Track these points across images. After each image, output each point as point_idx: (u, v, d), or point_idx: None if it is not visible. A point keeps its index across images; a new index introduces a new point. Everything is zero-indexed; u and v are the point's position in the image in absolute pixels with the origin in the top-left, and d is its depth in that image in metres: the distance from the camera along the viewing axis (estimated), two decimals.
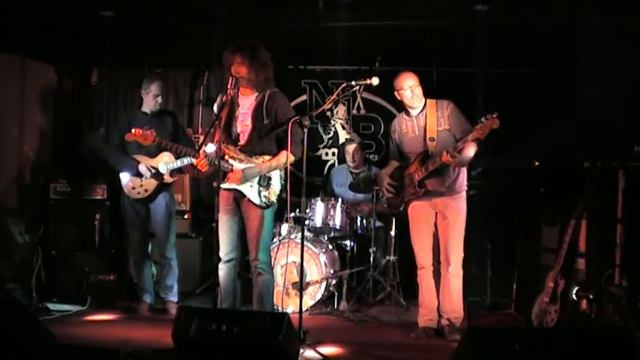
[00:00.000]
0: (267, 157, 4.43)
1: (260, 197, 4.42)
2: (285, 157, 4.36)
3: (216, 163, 4.25)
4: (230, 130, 4.47)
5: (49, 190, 6.33)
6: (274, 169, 4.43)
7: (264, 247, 4.47)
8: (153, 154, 5.40)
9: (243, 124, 4.47)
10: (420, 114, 4.78)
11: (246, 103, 4.49)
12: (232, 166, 4.40)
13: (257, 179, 4.42)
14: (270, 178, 4.44)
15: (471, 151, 4.60)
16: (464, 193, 4.80)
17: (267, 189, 4.42)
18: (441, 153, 4.50)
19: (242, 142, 4.45)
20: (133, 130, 4.93)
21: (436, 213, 4.78)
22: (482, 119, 4.32)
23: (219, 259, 4.41)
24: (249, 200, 4.42)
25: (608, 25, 4.31)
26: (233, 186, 4.42)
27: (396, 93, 4.82)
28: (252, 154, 4.42)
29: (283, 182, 4.47)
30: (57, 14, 5.46)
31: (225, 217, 4.48)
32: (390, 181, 4.92)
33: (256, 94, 4.48)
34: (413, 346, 4.71)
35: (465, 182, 4.82)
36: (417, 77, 4.76)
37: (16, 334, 3.75)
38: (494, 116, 4.28)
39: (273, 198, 4.46)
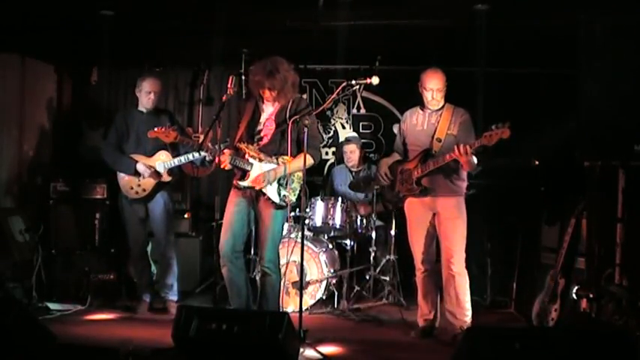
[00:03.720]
0: (286, 158, 4.46)
1: (280, 196, 4.45)
2: (304, 159, 4.35)
3: (236, 162, 4.33)
4: (253, 133, 4.52)
5: (49, 190, 6.35)
6: (293, 170, 4.45)
7: (272, 246, 4.48)
8: (150, 154, 5.41)
9: (268, 128, 4.52)
10: (435, 113, 4.74)
11: (270, 108, 4.55)
12: (252, 165, 4.43)
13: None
14: (291, 176, 4.45)
15: (475, 158, 4.55)
16: (462, 196, 4.73)
17: (287, 188, 4.45)
18: (450, 154, 4.44)
19: (264, 142, 4.49)
20: (155, 128, 4.83)
21: (434, 214, 4.73)
22: (493, 127, 4.27)
23: (218, 255, 4.45)
24: (268, 199, 4.45)
25: (608, 24, 4.31)
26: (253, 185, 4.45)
27: (419, 86, 4.77)
28: (271, 154, 4.46)
29: (301, 182, 4.50)
30: (57, 14, 5.46)
31: (233, 209, 4.49)
32: (387, 171, 4.87)
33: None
34: (413, 346, 4.72)
35: (465, 186, 4.76)
36: (444, 79, 4.69)
37: (16, 333, 3.75)
38: (506, 126, 4.23)
39: (293, 197, 4.48)
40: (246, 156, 4.44)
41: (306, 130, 4.30)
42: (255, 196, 4.52)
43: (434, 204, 4.71)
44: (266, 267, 4.49)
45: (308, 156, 4.35)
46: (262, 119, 4.54)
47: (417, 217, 4.80)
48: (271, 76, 4.32)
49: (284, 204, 4.47)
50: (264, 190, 4.45)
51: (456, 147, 4.43)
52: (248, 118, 4.53)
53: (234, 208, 4.51)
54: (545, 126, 6.30)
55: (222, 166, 4.43)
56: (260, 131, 4.54)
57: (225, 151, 4.41)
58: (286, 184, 4.45)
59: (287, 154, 4.46)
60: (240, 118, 4.57)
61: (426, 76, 4.70)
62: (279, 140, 4.47)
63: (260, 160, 4.45)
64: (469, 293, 4.69)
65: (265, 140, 4.51)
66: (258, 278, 4.69)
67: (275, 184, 4.47)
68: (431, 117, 4.75)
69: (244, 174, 4.46)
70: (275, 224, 4.48)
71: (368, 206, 6.13)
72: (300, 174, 4.50)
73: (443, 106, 4.75)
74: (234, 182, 4.53)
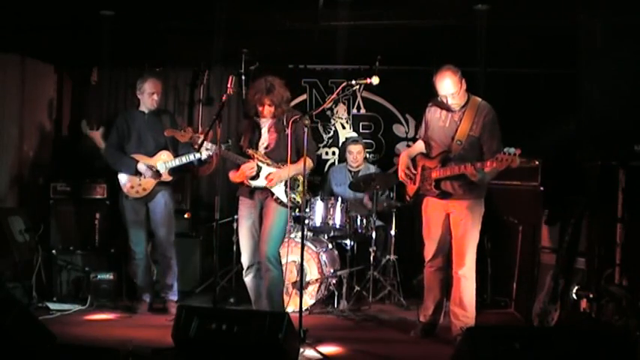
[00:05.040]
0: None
1: (287, 196, 4.65)
2: (307, 162, 4.57)
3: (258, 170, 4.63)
4: (257, 144, 4.75)
5: (49, 190, 6.34)
6: (299, 171, 4.65)
7: (275, 242, 4.65)
8: (151, 154, 5.42)
9: (270, 138, 4.75)
10: (459, 110, 4.63)
11: (268, 121, 4.78)
12: (261, 168, 4.66)
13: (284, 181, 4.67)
14: (296, 180, 4.69)
15: (493, 172, 4.45)
16: (478, 199, 4.65)
17: (294, 191, 4.67)
18: (465, 165, 4.42)
19: (269, 149, 4.73)
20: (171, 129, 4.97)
21: (449, 214, 4.68)
22: (506, 150, 4.22)
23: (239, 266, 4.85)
24: (276, 199, 4.67)
25: (608, 25, 4.30)
26: (263, 183, 4.65)
27: None
28: (277, 161, 4.67)
29: (305, 186, 4.68)
30: (57, 14, 5.45)
31: (247, 224, 4.74)
32: (410, 165, 4.81)
33: None
34: (413, 345, 4.71)
35: (483, 189, 4.66)
36: (455, 79, 4.53)
37: (16, 333, 3.75)
38: (517, 154, 4.19)
39: (299, 199, 4.73)
40: (255, 160, 4.66)
41: (306, 130, 4.40)
42: (262, 199, 4.72)
43: (449, 205, 4.67)
44: (268, 262, 4.60)
45: (307, 159, 4.54)
46: (263, 132, 4.78)
47: (433, 215, 4.76)
48: (270, 92, 4.62)
49: (291, 205, 4.67)
50: (273, 190, 4.65)
51: (464, 165, 4.43)
52: (249, 133, 4.79)
53: (245, 223, 4.77)
54: (545, 126, 6.30)
55: (247, 173, 4.63)
56: (264, 141, 4.76)
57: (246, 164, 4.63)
58: (293, 186, 4.66)
59: (289, 161, 4.60)
60: (240, 136, 4.84)
61: (436, 82, 4.60)
62: (281, 147, 4.67)
63: (268, 165, 4.67)
64: (474, 297, 4.67)
65: (270, 148, 4.73)
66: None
67: (282, 186, 4.67)
68: (454, 115, 4.65)
69: (255, 175, 4.66)
70: (279, 221, 4.66)
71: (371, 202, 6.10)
72: (303, 178, 4.66)
73: (467, 102, 4.63)
74: (246, 182, 4.68)
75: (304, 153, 4.45)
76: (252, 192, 4.73)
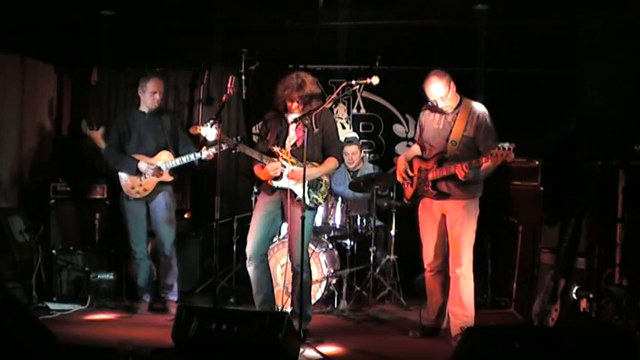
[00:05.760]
0: (315, 164, 4.65)
1: (310, 198, 4.62)
2: (331, 164, 4.71)
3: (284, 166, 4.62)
4: (284, 140, 4.72)
5: (49, 190, 6.34)
6: (323, 173, 4.69)
7: (305, 247, 4.61)
8: (152, 154, 5.43)
9: (297, 136, 4.71)
10: (452, 112, 4.67)
11: (294, 118, 4.71)
12: (285, 167, 4.62)
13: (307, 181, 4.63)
14: (319, 181, 4.68)
15: (488, 170, 4.50)
16: (474, 199, 4.68)
17: (316, 191, 4.66)
18: (456, 165, 4.45)
19: (297, 147, 4.67)
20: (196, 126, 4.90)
21: (445, 215, 4.69)
22: (500, 145, 4.24)
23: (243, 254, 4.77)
24: (298, 201, 4.60)
25: (608, 24, 4.30)
26: (286, 185, 4.62)
27: None
28: (302, 160, 4.58)
29: (328, 187, 4.76)
30: (57, 14, 5.45)
31: (260, 215, 4.74)
32: (407, 168, 4.86)
33: None
34: (413, 346, 4.72)
35: (478, 188, 4.69)
36: (443, 83, 4.56)
37: (16, 333, 3.75)
38: (511, 148, 4.20)
39: (321, 200, 4.74)
40: (280, 159, 4.64)
41: (306, 130, 4.38)
42: (283, 198, 4.68)
43: (444, 205, 4.69)
44: (299, 267, 4.59)
45: (334, 160, 4.69)
46: (291, 128, 4.74)
47: (429, 217, 4.77)
48: (301, 89, 4.59)
49: (313, 206, 4.68)
50: (295, 191, 4.60)
51: (455, 165, 4.45)
52: (276, 129, 4.76)
53: (259, 214, 4.76)
54: (545, 126, 6.30)
55: (271, 173, 4.62)
56: (291, 138, 4.72)
57: (276, 163, 4.62)
58: (315, 187, 4.66)
59: (315, 160, 4.63)
60: (267, 129, 4.82)
61: (425, 87, 4.64)
62: (309, 145, 4.59)
63: (292, 164, 4.63)
64: (472, 296, 4.68)
65: (297, 146, 4.69)
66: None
67: (305, 187, 4.58)
68: (447, 116, 4.69)
69: (279, 175, 4.66)
70: (307, 224, 4.60)
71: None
72: (327, 179, 4.74)
73: (459, 104, 4.67)
74: (269, 182, 4.68)
75: (304, 153, 4.40)
76: (273, 189, 4.72)
